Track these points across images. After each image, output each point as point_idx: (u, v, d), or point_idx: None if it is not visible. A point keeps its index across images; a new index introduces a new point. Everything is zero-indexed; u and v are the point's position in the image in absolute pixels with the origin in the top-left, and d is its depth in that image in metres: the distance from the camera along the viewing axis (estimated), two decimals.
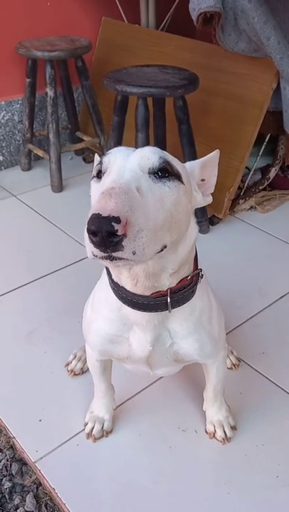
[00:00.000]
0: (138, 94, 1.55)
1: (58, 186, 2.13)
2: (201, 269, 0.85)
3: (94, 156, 0.91)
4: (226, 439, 1.11)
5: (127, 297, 0.79)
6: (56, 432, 1.13)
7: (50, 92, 2.01)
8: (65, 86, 2.24)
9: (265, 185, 2.06)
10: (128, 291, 0.79)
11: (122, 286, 0.80)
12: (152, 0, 2.20)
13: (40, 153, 2.19)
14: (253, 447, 1.10)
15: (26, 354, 1.34)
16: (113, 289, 0.82)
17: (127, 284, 0.78)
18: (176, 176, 0.72)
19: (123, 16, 2.29)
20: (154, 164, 0.69)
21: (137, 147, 1.83)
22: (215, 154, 0.82)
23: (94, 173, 0.74)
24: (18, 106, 2.24)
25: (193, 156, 1.76)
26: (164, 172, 0.70)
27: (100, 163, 0.71)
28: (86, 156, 2.40)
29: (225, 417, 1.13)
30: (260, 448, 1.10)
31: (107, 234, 0.59)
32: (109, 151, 0.72)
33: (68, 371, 1.28)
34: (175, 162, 0.74)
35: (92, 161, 2.37)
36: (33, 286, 1.60)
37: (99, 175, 0.72)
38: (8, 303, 1.53)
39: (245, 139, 1.81)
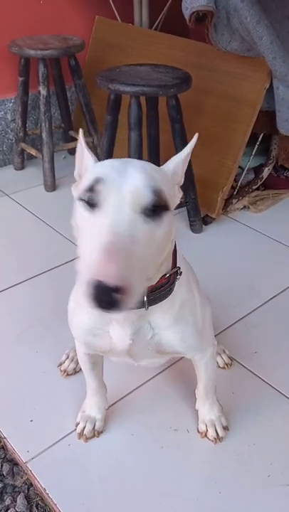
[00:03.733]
0: (131, 93, 1.55)
1: (51, 185, 2.12)
2: (179, 267, 0.84)
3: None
4: (218, 438, 1.11)
5: None
6: (48, 432, 1.13)
7: (43, 91, 2.00)
8: (58, 85, 2.23)
9: (259, 184, 2.06)
10: None
11: None
12: None
13: (33, 152, 2.18)
14: (244, 447, 1.10)
15: (18, 354, 1.34)
16: None
17: None
18: (167, 206, 0.71)
19: (116, 15, 2.29)
20: (147, 202, 0.67)
21: (130, 146, 1.82)
22: (194, 140, 0.82)
23: (84, 184, 0.71)
24: (11, 105, 2.23)
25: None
26: (156, 207, 0.68)
27: (91, 189, 0.68)
28: None
29: (217, 417, 1.13)
30: (251, 447, 1.10)
31: (108, 301, 0.60)
32: (99, 176, 0.69)
33: (61, 371, 1.27)
34: (164, 183, 0.73)
35: None
36: (25, 286, 1.59)
37: (90, 201, 0.68)
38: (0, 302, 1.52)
39: (238, 138, 1.81)
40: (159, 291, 0.81)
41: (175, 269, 0.83)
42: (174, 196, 0.78)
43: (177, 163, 0.80)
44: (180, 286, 0.86)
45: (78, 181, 0.81)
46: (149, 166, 0.73)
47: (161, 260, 0.76)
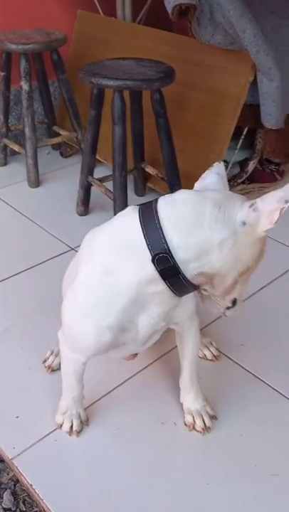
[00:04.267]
0: (114, 87, 1.54)
1: (35, 181, 2.10)
2: None
3: (70, 150, 0.91)
4: (206, 428, 1.11)
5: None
6: (34, 429, 1.12)
7: (25, 86, 1.98)
8: (40, 80, 2.21)
9: (244, 178, 2.06)
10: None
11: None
12: None
13: (16, 147, 2.15)
14: (231, 438, 1.10)
15: (2, 350, 1.32)
16: (178, 283, 0.84)
17: None
18: None
19: (99, 8, 2.27)
20: None
21: (114, 141, 1.82)
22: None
23: None
24: None
25: (171, 149, 1.76)
26: None
27: None
28: (63, 150, 2.37)
29: (202, 406, 1.13)
30: (238, 439, 1.10)
31: None
32: None
33: (46, 367, 1.26)
34: None
35: (70, 155, 2.36)
36: (9, 282, 1.57)
37: None
38: None
39: (223, 132, 1.81)
40: None
41: None
42: None
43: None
44: None
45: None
46: None
47: None
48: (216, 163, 0.95)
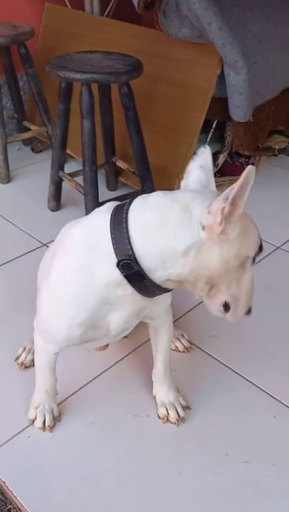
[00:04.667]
0: (81, 80, 1.53)
1: (6, 177, 2.08)
2: None
3: (41, 145, 0.90)
4: (180, 419, 1.12)
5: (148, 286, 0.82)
6: (6, 426, 1.11)
7: None
8: (9, 74, 2.18)
9: (214, 171, 2.07)
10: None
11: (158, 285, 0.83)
12: None
13: None
14: (203, 428, 1.12)
15: None
16: (141, 287, 0.82)
17: None
18: None
19: (67, 2, 2.25)
20: None
21: (83, 135, 1.80)
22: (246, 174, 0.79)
23: (257, 244, 0.84)
24: None
25: (141, 143, 1.76)
26: None
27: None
28: (34, 145, 2.35)
29: (175, 397, 1.14)
30: (210, 428, 1.12)
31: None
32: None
33: (18, 364, 1.25)
34: None
35: (41, 150, 2.33)
36: None
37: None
38: None
39: (192, 125, 1.82)
40: None
41: None
42: None
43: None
44: None
45: (228, 210, 0.74)
46: None
47: None
48: (201, 149, 0.87)
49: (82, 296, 0.86)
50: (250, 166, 0.71)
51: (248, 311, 0.90)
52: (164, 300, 0.98)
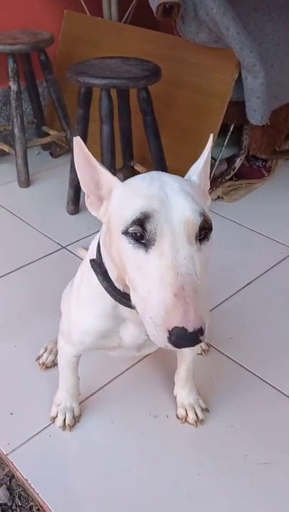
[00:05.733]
0: (101, 85, 1.56)
1: (25, 181, 2.11)
2: None
3: (59, 150, 0.90)
4: (198, 421, 1.13)
5: (128, 302, 0.76)
6: (28, 424, 1.13)
7: (13, 87, 1.99)
8: (29, 80, 2.22)
9: (232, 175, 2.09)
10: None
11: (124, 292, 0.80)
12: None
13: (5, 148, 2.16)
14: (222, 429, 1.13)
15: None
16: (112, 294, 0.82)
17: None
18: (211, 225, 0.69)
19: (85, 8, 2.28)
20: (197, 229, 0.66)
21: (102, 139, 1.81)
22: (209, 142, 0.78)
23: (126, 217, 0.67)
24: None
25: (159, 148, 1.78)
26: (203, 229, 0.67)
27: (144, 229, 0.64)
28: (53, 150, 2.39)
29: (195, 400, 1.15)
30: (229, 429, 1.13)
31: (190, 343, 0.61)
32: (146, 210, 0.65)
33: (40, 364, 1.28)
34: (201, 199, 0.70)
35: (60, 155, 2.37)
36: (1, 281, 1.59)
37: (135, 236, 0.65)
38: None
39: (210, 129, 1.83)
40: None
41: None
42: (208, 208, 0.75)
43: (199, 172, 0.78)
44: None
45: (93, 198, 0.76)
46: (187, 185, 0.70)
47: None
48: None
49: (99, 305, 0.88)
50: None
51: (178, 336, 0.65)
52: None
